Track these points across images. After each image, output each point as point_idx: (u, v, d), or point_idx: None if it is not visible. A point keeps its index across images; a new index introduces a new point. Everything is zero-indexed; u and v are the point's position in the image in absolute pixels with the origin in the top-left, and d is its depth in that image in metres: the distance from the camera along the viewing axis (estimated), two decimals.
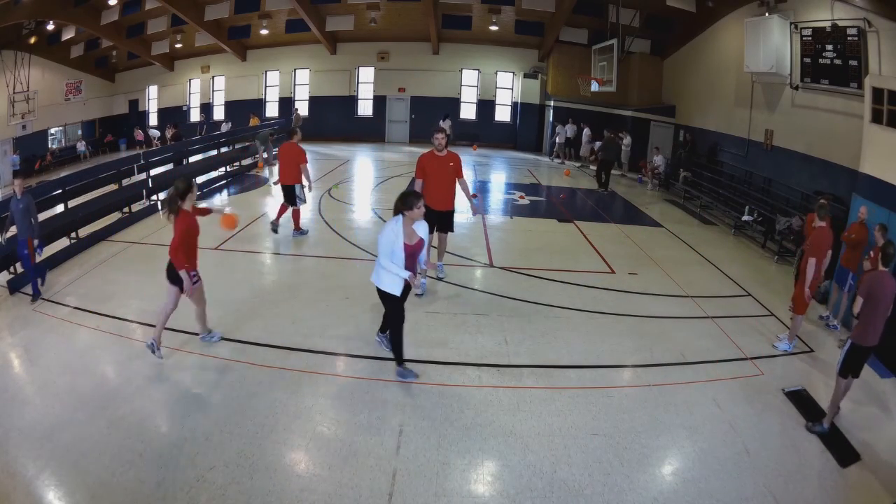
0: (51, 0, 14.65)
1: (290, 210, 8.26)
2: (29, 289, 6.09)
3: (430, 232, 5.67)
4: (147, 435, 3.81)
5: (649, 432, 4.12)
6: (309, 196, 8.52)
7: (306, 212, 9.39)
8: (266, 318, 5.61)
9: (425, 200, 4.75)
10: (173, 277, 4.57)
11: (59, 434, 3.77)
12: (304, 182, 8.05)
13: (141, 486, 3.35)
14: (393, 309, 4.45)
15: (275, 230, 8.30)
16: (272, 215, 8.59)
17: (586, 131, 17.20)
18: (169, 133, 16.08)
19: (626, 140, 15.72)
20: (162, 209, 4.82)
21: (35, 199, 7.25)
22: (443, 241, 6.74)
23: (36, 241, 6.02)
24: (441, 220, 6.42)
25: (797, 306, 5.52)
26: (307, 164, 7.97)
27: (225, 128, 18.09)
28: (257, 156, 14.86)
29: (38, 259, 6.21)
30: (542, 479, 3.60)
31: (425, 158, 6.28)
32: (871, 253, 5.50)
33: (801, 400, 4.71)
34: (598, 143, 15.72)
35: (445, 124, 17.85)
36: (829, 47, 8.78)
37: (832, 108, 8.94)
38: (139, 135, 20.77)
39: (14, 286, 6.15)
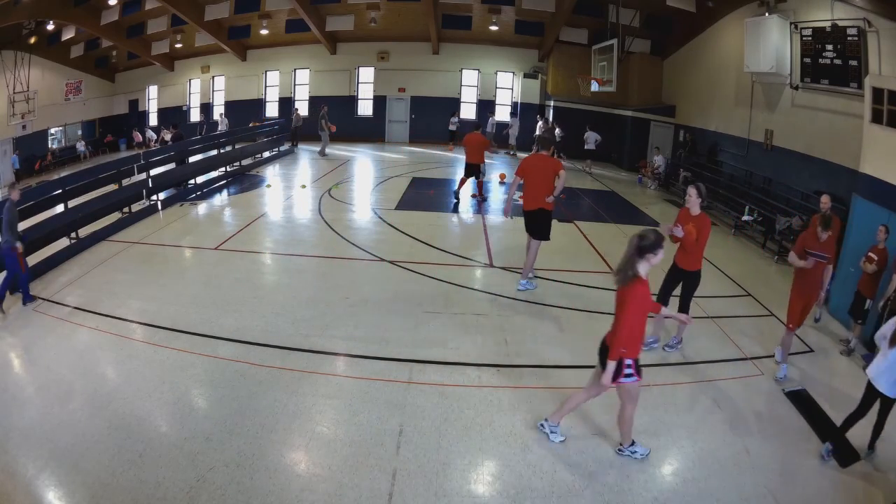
0: (51, 0, 14.64)
1: (471, 183, 11.16)
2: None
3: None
4: (147, 435, 3.81)
5: (649, 432, 4.12)
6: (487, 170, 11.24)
7: (307, 211, 10.07)
8: (266, 318, 5.61)
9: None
10: (605, 360, 3.55)
11: (59, 434, 3.77)
12: (485, 161, 10.79)
13: (141, 486, 3.35)
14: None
15: (456, 198, 11.10)
16: (272, 215, 8.68)
17: (540, 124, 17.38)
18: (167, 135, 16.03)
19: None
20: (617, 274, 3.53)
21: (35, 199, 7.30)
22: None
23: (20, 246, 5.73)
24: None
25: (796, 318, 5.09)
26: (487, 150, 10.47)
27: (222, 124, 18.07)
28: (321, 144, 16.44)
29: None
30: (542, 479, 3.60)
31: None
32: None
33: (801, 400, 4.71)
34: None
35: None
36: (829, 47, 8.76)
37: (832, 108, 8.93)
38: (137, 137, 20.76)
39: (14, 286, 6.13)
